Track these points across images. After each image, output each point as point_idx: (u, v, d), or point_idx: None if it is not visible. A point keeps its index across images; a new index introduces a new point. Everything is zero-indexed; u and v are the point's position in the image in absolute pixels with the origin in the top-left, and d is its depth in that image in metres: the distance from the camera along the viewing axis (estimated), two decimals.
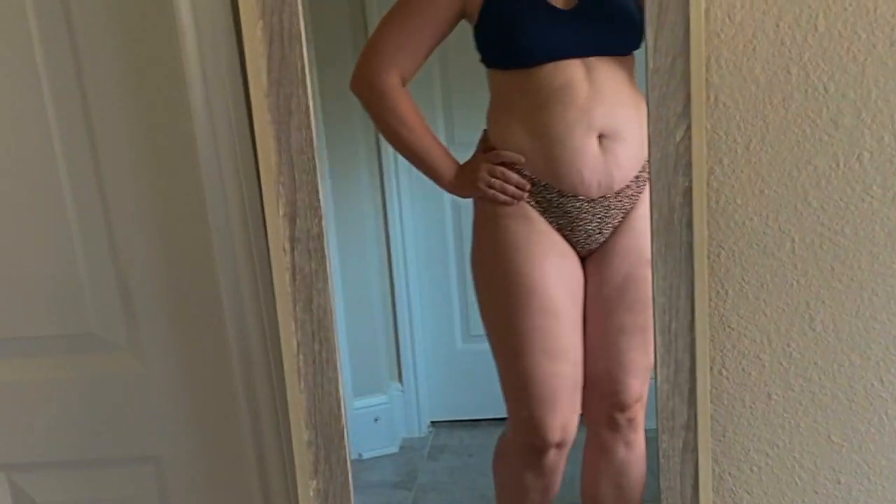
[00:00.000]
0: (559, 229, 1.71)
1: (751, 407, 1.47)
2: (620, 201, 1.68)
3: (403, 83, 1.74)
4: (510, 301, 1.74)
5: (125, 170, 1.40)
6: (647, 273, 1.60)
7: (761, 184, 1.38)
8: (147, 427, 1.52)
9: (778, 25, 1.32)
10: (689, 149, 1.32)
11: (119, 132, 1.38)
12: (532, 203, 1.69)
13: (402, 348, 2.13)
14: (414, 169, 1.82)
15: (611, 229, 1.71)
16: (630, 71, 1.66)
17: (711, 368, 1.43)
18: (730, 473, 1.50)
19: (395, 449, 2.20)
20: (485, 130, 1.75)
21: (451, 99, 1.87)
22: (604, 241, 1.73)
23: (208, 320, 1.45)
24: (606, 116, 1.61)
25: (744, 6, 1.32)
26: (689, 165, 1.33)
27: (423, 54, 1.74)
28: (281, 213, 1.34)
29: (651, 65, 1.31)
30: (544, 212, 1.70)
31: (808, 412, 1.46)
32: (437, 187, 1.80)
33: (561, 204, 1.68)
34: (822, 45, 1.33)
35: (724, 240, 1.41)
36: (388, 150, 1.97)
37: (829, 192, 1.39)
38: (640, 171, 1.68)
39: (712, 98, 1.35)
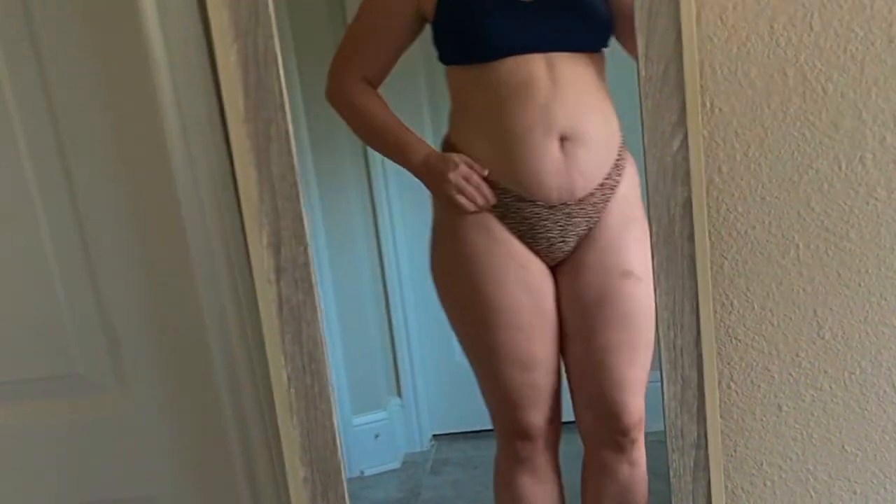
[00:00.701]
0: (520, 237, 1.64)
1: (761, 420, 1.43)
2: (584, 209, 1.61)
3: (374, 86, 1.69)
4: (473, 317, 1.70)
5: (103, 206, 1.36)
6: (624, 287, 1.56)
7: (762, 190, 1.34)
8: (138, 468, 1.48)
9: (772, 26, 1.28)
10: (686, 158, 1.28)
11: (94, 168, 1.34)
12: (489, 208, 1.63)
13: (399, 363, 2.10)
14: (404, 182, 1.77)
15: (575, 238, 1.64)
16: (599, 70, 1.58)
17: (719, 382, 1.39)
18: (742, 489, 1.46)
19: (397, 465, 2.17)
20: (447, 133, 1.69)
21: (437, 103, 1.82)
22: (572, 253, 1.66)
23: (195, 356, 1.41)
24: (568, 117, 1.53)
25: (736, 8, 1.27)
26: (687, 175, 1.28)
27: (386, 57, 1.68)
28: (264, 242, 1.29)
29: (643, 73, 1.26)
30: (503, 217, 1.63)
31: (821, 422, 1.42)
32: (428, 199, 1.74)
33: (519, 209, 1.61)
34: (819, 44, 1.29)
35: (726, 250, 1.36)
36: (376, 162, 1.94)
37: (832, 196, 1.34)
38: (606, 178, 1.61)
39: (708, 104, 1.31)
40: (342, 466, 1.36)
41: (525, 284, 1.65)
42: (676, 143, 1.28)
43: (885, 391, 1.41)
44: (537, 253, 1.66)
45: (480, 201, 1.63)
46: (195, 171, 1.31)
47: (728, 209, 1.35)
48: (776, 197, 1.35)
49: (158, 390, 1.43)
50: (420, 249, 1.73)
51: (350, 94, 1.68)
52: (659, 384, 1.54)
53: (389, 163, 1.86)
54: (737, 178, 1.34)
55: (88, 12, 1.28)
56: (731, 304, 1.39)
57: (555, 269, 1.70)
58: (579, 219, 1.61)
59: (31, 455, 1.47)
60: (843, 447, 1.44)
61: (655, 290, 1.33)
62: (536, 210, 1.60)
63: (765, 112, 1.32)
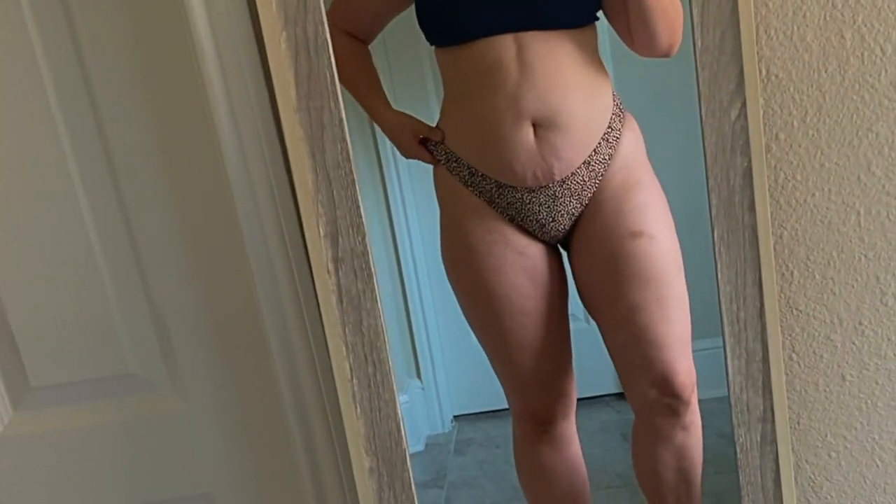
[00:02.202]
0: (511, 220, 1.62)
1: (825, 391, 1.41)
2: (569, 189, 1.57)
3: (363, 41, 1.65)
4: (479, 304, 1.67)
5: (152, 204, 1.33)
6: (637, 246, 1.53)
7: (821, 157, 1.32)
8: (196, 465, 1.46)
9: None
10: (745, 127, 1.26)
11: (142, 166, 1.32)
12: (476, 194, 1.61)
13: (418, 346, 2.08)
14: (415, 164, 1.75)
15: (566, 217, 1.61)
16: (585, 46, 1.52)
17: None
18: (807, 461, 1.44)
19: (420, 447, 2.16)
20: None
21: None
22: (576, 228, 1.63)
23: (251, 350, 1.39)
24: (539, 103, 1.47)
25: None
26: (746, 144, 1.26)
27: (370, 23, 1.65)
28: (322, 233, 1.27)
29: (699, 43, 1.24)
30: (491, 203, 1.61)
31: (885, 390, 1.41)
32: None
33: (502, 195, 1.58)
34: (876, 4, 1.27)
35: (785, 219, 1.34)
36: (386, 146, 1.91)
37: (893, 160, 1.33)
38: (591, 156, 1.57)
39: (764, 71, 1.29)
40: (407, 455, 1.34)
41: (525, 270, 1.63)
42: (735, 113, 1.26)
43: None
44: (534, 235, 1.63)
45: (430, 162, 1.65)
46: (248, 164, 1.28)
47: (786, 177, 1.33)
48: (835, 163, 1.32)
49: (214, 387, 1.41)
50: (434, 232, 1.71)
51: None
52: (717, 350, 1.52)
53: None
54: (794, 146, 1.32)
55: (134, 2, 1.25)
56: (792, 274, 1.37)
57: (566, 247, 1.68)
58: (566, 199, 1.58)
59: (89, 456, 1.46)
60: None
61: (716, 264, 1.31)
62: (518, 195, 1.58)
63: (822, 76, 1.29)
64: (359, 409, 1.32)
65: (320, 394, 1.37)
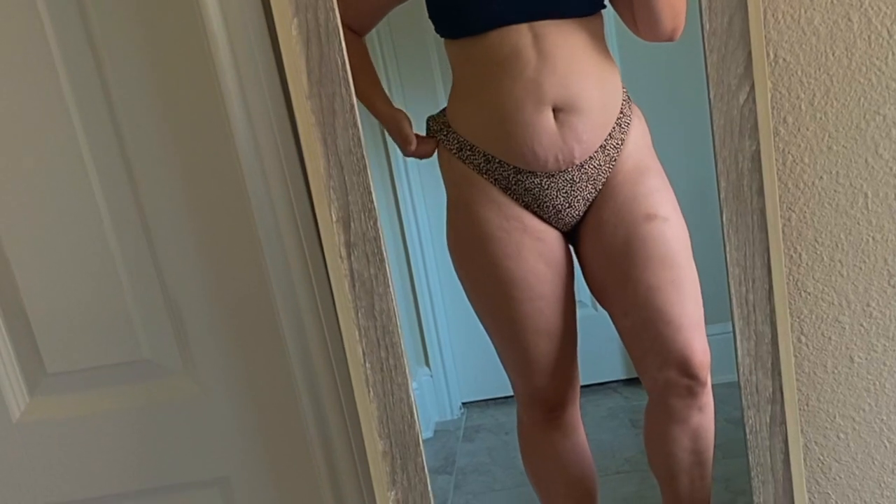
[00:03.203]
0: (527, 207, 1.63)
1: (833, 372, 1.42)
2: (586, 173, 1.59)
3: (361, 34, 1.66)
4: (495, 293, 1.67)
5: (166, 191, 1.34)
6: (651, 229, 1.55)
7: (829, 140, 1.33)
8: (211, 449, 1.47)
9: None
10: (753, 111, 1.26)
11: (154, 152, 1.32)
12: (492, 181, 1.62)
13: (426, 333, 2.09)
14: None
15: (582, 202, 1.63)
16: (594, 34, 1.55)
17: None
18: (816, 442, 1.45)
19: (429, 434, 2.18)
20: (447, 104, 1.68)
21: (449, 78, 1.82)
22: (588, 214, 1.65)
23: (265, 335, 1.40)
24: (559, 87, 1.50)
25: None
26: (755, 128, 1.27)
27: (370, 15, 1.67)
28: (334, 218, 1.28)
29: (707, 27, 1.24)
30: (507, 190, 1.62)
31: (894, 372, 1.42)
32: None
33: (519, 181, 1.60)
34: None
35: (793, 202, 1.35)
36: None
37: None
38: (606, 140, 1.59)
39: (772, 55, 1.30)
40: (420, 438, 1.35)
41: (542, 255, 1.64)
42: (743, 96, 1.26)
43: None
44: (548, 221, 1.64)
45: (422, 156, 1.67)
46: (260, 150, 1.29)
47: (794, 161, 1.34)
48: (843, 146, 1.33)
49: (228, 371, 1.42)
50: (440, 219, 1.72)
51: None
52: (725, 336, 1.53)
53: None
54: (802, 129, 1.33)
55: None
56: (800, 256, 1.37)
57: (574, 234, 1.69)
58: (583, 183, 1.60)
59: (104, 442, 1.47)
60: None
61: (725, 247, 1.32)
62: (536, 180, 1.59)
63: (829, 59, 1.30)
64: (372, 393, 1.33)
65: (333, 378, 1.38)
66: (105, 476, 1.49)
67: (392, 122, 1.67)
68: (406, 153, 1.69)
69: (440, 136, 1.66)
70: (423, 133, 1.70)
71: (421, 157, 1.69)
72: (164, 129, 1.33)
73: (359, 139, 1.25)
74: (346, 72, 1.23)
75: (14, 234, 1.38)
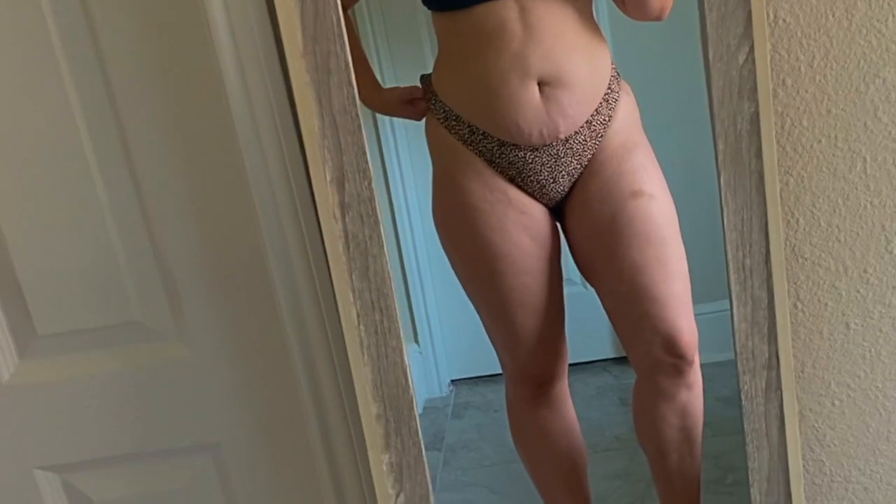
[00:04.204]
0: (511, 181, 1.62)
1: (829, 339, 1.41)
2: (571, 148, 1.58)
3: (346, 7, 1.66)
4: (479, 266, 1.67)
5: (158, 151, 1.32)
6: (637, 206, 1.54)
7: (828, 102, 1.31)
8: (202, 414, 1.46)
9: None
10: (752, 72, 1.25)
11: (148, 113, 1.31)
12: (476, 153, 1.60)
13: (416, 310, 2.09)
14: (411, 126, 1.77)
15: (567, 178, 1.61)
16: (582, 9, 1.54)
17: None
18: (811, 409, 1.45)
19: (418, 410, 2.16)
20: (431, 74, 1.66)
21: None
22: (573, 190, 1.64)
23: (257, 298, 1.38)
24: (544, 61, 1.49)
25: None
26: (753, 89, 1.26)
27: None
28: (328, 178, 1.27)
29: None
30: (491, 162, 1.60)
31: (890, 339, 1.41)
32: None
33: (503, 154, 1.59)
34: None
35: (791, 166, 1.34)
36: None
37: None
38: (592, 116, 1.58)
39: (771, 15, 1.28)
40: (414, 402, 1.34)
41: (527, 229, 1.63)
42: (742, 57, 1.25)
43: None
44: (533, 196, 1.63)
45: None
46: (253, 109, 1.27)
47: (793, 123, 1.33)
48: (842, 109, 1.32)
49: (220, 335, 1.41)
50: (429, 195, 1.71)
51: None
52: (715, 314, 1.53)
53: None
54: (801, 91, 1.31)
55: None
56: (797, 221, 1.37)
57: (560, 210, 1.68)
58: (568, 158, 1.59)
59: (94, 405, 1.46)
60: None
61: (722, 210, 1.31)
62: (520, 153, 1.58)
63: (829, 20, 1.29)
64: (366, 356, 1.32)
65: (327, 340, 1.37)
66: (95, 439, 1.49)
67: (385, 108, 1.71)
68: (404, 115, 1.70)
69: (429, 102, 1.65)
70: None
71: (416, 115, 1.68)
72: (157, 89, 1.32)
73: (354, 98, 1.24)
74: (341, 29, 1.21)
75: (4, 194, 1.36)
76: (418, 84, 1.68)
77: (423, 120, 1.68)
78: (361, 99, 1.58)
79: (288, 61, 1.22)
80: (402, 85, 1.73)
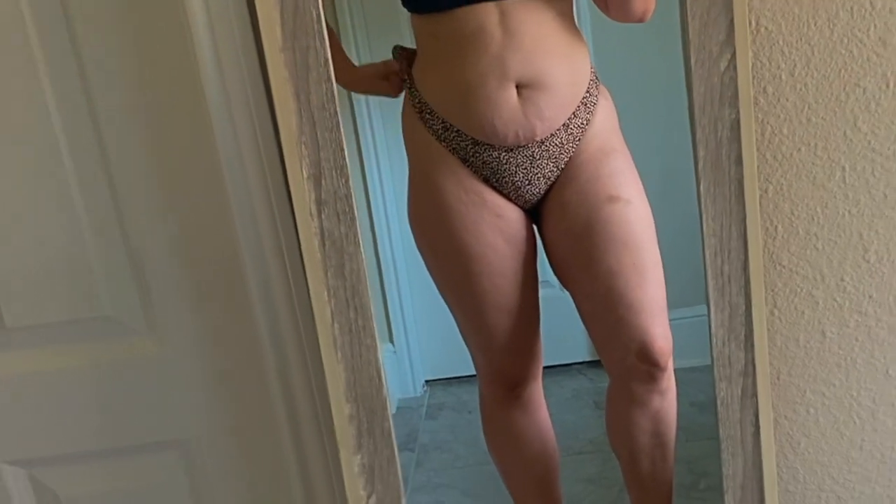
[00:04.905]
0: (486, 181, 1.61)
1: (805, 347, 1.41)
2: (548, 150, 1.57)
3: None
4: (454, 267, 1.66)
5: (130, 141, 1.30)
6: (613, 211, 1.54)
7: (808, 111, 1.31)
8: (171, 411, 1.45)
9: None
10: (734, 79, 1.25)
11: (123, 105, 1.29)
12: (450, 150, 1.60)
13: (390, 309, 2.07)
14: (389, 122, 1.78)
15: (542, 181, 1.61)
16: (562, 14, 1.54)
17: None
18: (785, 417, 1.44)
19: (391, 410, 2.15)
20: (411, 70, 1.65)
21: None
22: (550, 193, 1.63)
23: (230, 294, 1.37)
24: (523, 64, 1.48)
25: None
26: (735, 96, 1.25)
27: None
28: (305, 174, 1.25)
29: None
30: (465, 162, 1.60)
31: (865, 348, 1.41)
32: None
33: (477, 153, 1.58)
34: None
35: (771, 173, 1.34)
36: (359, 103, 1.90)
37: (879, 116, 1.32)
38: (570, 119, 1.57)
39: (753, 23, 1.28)
40: (387, 402, 1.33)
41: (502, 231, 1.62)
42: (724, 63, 1.25)
43: None
44: (508, 198, 1.62)
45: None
46: (231, 104, 1.26)
47: (773, 131, 1.33)
48: (822, 118, 1.32)
49: (191, 330, 1.39)
50: (406, 194, 1.70)
51: None
52: (691, 319, 1.52)
53: (374, 106, 1.88)
54: (782, 99, 1.31)
55: None
56: (776, 229, 1.36)
57: (537, 213, 1.68)
58: (544, 161, 1.58)
59: (63, 399, 1.44)
60: (887, 372, 1.43)
61: (701, 217, 1.31)
62: (494, 153, 1.57)
63: (811, 29, 1.28)
64: (339, 355, 1.31)
65: (300, 338, 1.36)
66: (63, 435, 1.47)
67: (363, 86, 1.68)
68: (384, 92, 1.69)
69: (406, 88, 1.64)
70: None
71: (394, 90, 1.67)
72: (132, 80, 1.30)
73: (332, 94, 1.22)
74: (321, 24, 1.20)
75: None
76: (392, 58, 1.67)
77: (401, 112, 1.67)
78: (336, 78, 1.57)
79: (266, 56, 1.21)
80: None
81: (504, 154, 1.57)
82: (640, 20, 1.48)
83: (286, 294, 1.34)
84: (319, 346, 1.31)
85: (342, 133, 1.24)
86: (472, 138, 1.57)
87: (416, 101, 1.61)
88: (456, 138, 1.58)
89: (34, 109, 1.30)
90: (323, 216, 1.27)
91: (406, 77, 1.63)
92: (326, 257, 1.28)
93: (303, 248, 1.27)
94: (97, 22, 1.27)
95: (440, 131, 1.59)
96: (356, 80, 1.71)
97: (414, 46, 1.63)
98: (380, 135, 1.94)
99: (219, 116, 1.27)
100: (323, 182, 1.26)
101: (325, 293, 1.29)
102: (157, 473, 1.50)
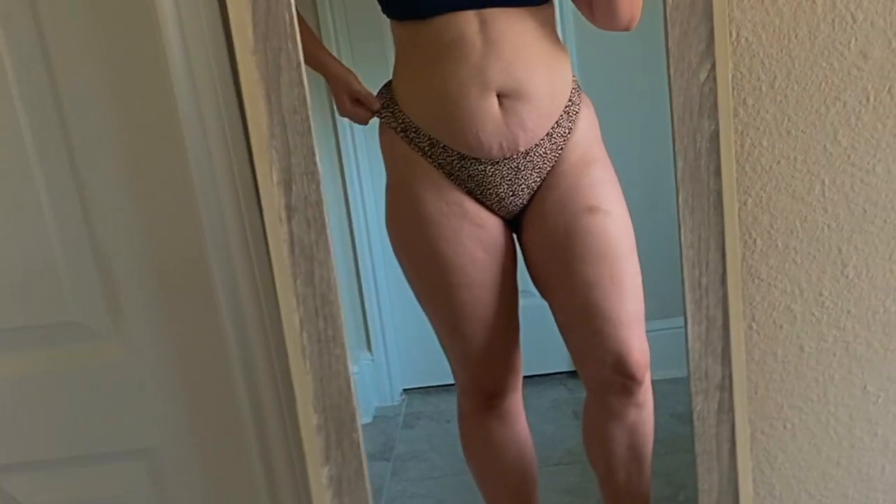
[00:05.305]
0: (469, 193, 1.60)
1: (783, 361, 1.40)
2: (532, 161, 1.57)
3: None
4: (433, 278, 1.65)
5: (100, 146, 1.27)
6: (592, 222, 1.52)
7: (788, 124, 1.30)
8: (138, 418, 1.42)
9: None
10: (713, 90, 1.23)
11: (89, 105, 1.26)
12: (435, 165, 1.58)
13: (369, 317, 2.06)
14: (370, 133, 1.73)
15: (526, 191, 1.60)
16: (544, 23, 1.53)
17: None
18: (762, 432, 1.43)
19: (368, 419, 2.15)
20: (390, 82, 1.64)
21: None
22: (531, 203, 1.62)
23: (198, 300, 1.34)
24: (504, 74, 1.48)
25: None
26: (714, 107, 1.24)
27: None
28: (275, 179, 1.23)
29: (670, 0, 1.20)
30: (450, 175, 1.58)
31: (843, 363, 1.40)
32: None
33: (463, 167, 1.57)
34: None
35: (750, 186, 1.32)
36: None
37: (859, 130, 1.31)
38: (553, 128, 1.56)
39: (734, 34, 1.27)
40: (357, 413, 1.31)
41: (481, 242, 1.61)
42: (704, 74, 1.23)
43: None
44: (490, 209, 1.61)
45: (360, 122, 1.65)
46: (200, 106, 1.23)
47: (752, 143, 1.31)
48: (802, 130, 1.30)
49: (158, 337, 1.37)
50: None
51: None
52: (670, 331, 1.51)
53: None
54: (762, 112, 1.30)
55: None
56: (755, 242, 1.35)
57: (517, 222, 1.66)
58: (528, 171, 1.57)
59: (26, 406, 1.41)
60: (864, 388, 1.41)
61: (679, 228, 1.29)
62: (481, 167, 1.56)
63: (792, 41, 1.27)
64: (308, 365, 1.28)
65: (268, 347, 1.33)
66: (27, 441, 1.43)
67: (336, 84, 1.64)
68: (343, 111, 1.67)
69: (385, 114, 1.62)
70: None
71: (357, 119, 1.65)
72: (101, 80, 1.27)
73: (304, 98, 1.20)
74: (293, 27, 1.18)
75: None
76: (379, 91, 1.66)
77: (378, 129, 1.65)
78: (314, 62, 1.55)
79: (238, 57, 1.19)
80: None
81: (490, 167, 1.56)
82: (627, 28, 1.48)
83: (254, 301, 1.32)
84: (288, 355, 1.28)
85: (314, 138, 1.22)
86: (459, 153, 1.55)
87: (399, 121, 1.59)
88: (442, 154, 1.56)
89: (2, 113, 1.27)
90: (293, 222, 1.24)
91: (383, 107, 1.61)
92: (295, 264, 1.25)
93: (271, 254, 1.25)
94: (66, 23, 1.24)
95: (426, 148, 1.57)
96: (321, 63, 1.67)
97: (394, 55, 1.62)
98: (360, 140, 1.93)
99: (188, 118, 1.24)
100: (293, 187, 1.23)
101: (294, 301, 1.26)
102: (121, 482, 1.47)
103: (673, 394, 1.70)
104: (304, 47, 1.22)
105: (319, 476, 1.33)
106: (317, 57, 1.61)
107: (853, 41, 1.27)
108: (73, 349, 1.39)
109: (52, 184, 1.31)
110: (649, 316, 1.62)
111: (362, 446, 1.32)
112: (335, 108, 1.73)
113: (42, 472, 1.47)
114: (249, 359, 1.35)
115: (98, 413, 1.42)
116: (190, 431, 1.42)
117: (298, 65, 1.20)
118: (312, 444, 1.31)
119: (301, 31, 1.21)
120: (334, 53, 1.78)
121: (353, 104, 1.65)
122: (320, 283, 1.26)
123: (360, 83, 1.65)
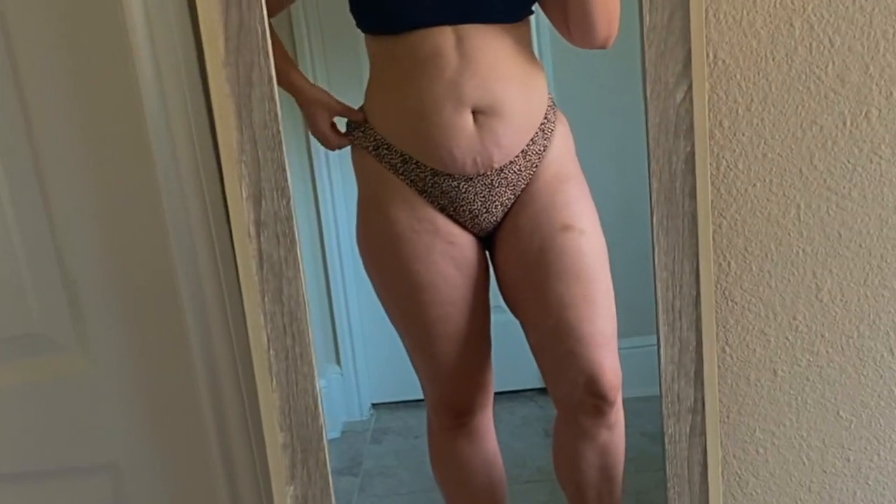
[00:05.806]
0: (442, 210, 1.58)
1: (756, 385, 1.39)
2: (506, 178, 1.55)
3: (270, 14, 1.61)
4: (403, 295, 1.62)
5: (65, 156, 1.26)
6: (566, 240, 1.51)
7: (764, 147, 1.29)
8: (101, 433, 1.40)
9: None
10: (690, 111, 1.22)
11: (57, 116, 1.24)
12: (407, 182, 1.57)
13: (339, 331, 2.04)
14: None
15: (500, 208, 1.58)
16: (520, 40, 1.52)
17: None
18: (734, 456, 1.42)
19: (336, 434, 2.12)
20: (363, 102, 1.61)
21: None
22: (505, 220, 1.60)
23: (165, 315, 1.32)
24: (479, 90, 1.46)
25: None
26: (690, 128, 1.23)
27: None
28: (244, 194, 1.21)
29: (647, 21, 1.20)
30: (422, 192, 1.57)
31: (816, 388, 1.39)
32: None
33: (436, 183, 1.55)
34: None
35: (725, 208, 1.32)
36: None
37: (835, 154, 1.30)
38: (528, 145, 1.55)
39: (711, 55, 1.26)
40: (324, 432, 1.29)
41: (453, 259, 1.59)
42: (680, 95, 1.22)
43: (882, 356, 1.38)
44: (463, 226, 1.59)
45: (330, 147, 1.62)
46: (170, 119, 1.21)
47: (728, 166, 1.30)
48: (778, 154, 1.30)
49: (124, 351, 1.35)
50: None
51: None
52: (642, 349, 1.50)
53: None
54: (738, 134, 1.29)
55: None
56: (729, 265, 1.34)
57: (490, 239, 1.65)
58: (502, 188, 1.55)
59: None
60: (837, 413, 1.41)
61: (654, 249, 1.28)
62: (454, 183, 1.54)
63: (769, 64, 1.27)
64: (275, 382, 1.26)
65: (234, 364, 1.31)
66: None
67: (313, 106, 1.61)
68: (315, 131, 1.63)
69: (357, 133, 1.60)
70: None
71: (329, 143, 1.63)
72: (69, 92, 1.26)
73: (276, 114, 1.19)
74: (266, 41, 1.16)
75: None
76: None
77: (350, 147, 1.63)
78: (287, 85, 1.52)
79: (208, 71, 1.17)
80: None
81: (463, 183, 1.54)
82: (603, 46, 1.47)
83: (222, 318, 1.30)
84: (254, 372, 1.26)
85: (284, 153, 1.20)
86: (432, 169, 1.54)
87: (371, 139, 1.57)
88: (415, 170, 1.55)
89: None
90: (262, 238, 1.22)
91: (355, 127, 1.60)
92: (264, 281, 1.23)
93: (240, 270, 1.23)
94: (35, 34, 1.22)
95: (398, 164, 1.55)
96: (295, 86, 1.64)
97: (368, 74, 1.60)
98: (333, 155, 1.90)
99: (157, 131, 1.22)
100: (263, 203, 1.21)
101: (262, 318, 1.25)
102: (84, 497, 1.45)
103: (644, 412, 1.68)
104: (277, 67, 1.20)
105: (284, 495, 1.31)
106: (289, 78, 1.58)
107: (830, 65, 1.27)
108: (37, 361, 1.37)
109: (17, 196, 1.29)
110: (620, 334, 1.61)
111: (328, 465, 1.30)
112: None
113: (3, 486, 1.44)
114: (215, 375, 1.33)
115: (61, 426, 1.40)
116: (154, 447, 1.40)
117: (270, 79, 1.18)
118: (278, 463, 1.29)
119: (275, 50, 1.19)
120: (309, 70, 1.76)
121: (332, 127, 1.62)
122: (289, 300, 1.25)
123: (336, 100, 1.62)
